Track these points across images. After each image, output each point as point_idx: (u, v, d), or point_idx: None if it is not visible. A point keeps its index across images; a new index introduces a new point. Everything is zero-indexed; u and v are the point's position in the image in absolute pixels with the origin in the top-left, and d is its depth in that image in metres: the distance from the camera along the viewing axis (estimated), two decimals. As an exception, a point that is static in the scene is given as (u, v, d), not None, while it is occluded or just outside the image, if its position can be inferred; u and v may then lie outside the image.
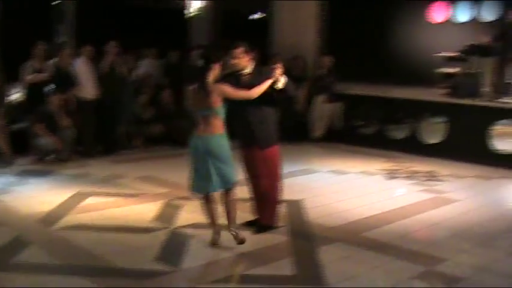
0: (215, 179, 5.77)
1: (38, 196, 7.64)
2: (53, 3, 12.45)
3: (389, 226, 6.79)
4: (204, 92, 5.71)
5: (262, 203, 6.46)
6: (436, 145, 11.43)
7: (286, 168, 9.73)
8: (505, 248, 6.23)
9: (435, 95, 12.85)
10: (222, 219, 6.03)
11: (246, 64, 6.19)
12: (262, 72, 6.23)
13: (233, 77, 6.16)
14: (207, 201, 5.95)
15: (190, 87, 5.89)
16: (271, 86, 6.07)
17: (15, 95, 11.10)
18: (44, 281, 5.02)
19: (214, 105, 5.72)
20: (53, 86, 10.19)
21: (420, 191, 8.56)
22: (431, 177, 9.52)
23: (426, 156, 11.02)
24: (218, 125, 5.80)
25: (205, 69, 5.82)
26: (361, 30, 17.16)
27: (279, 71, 6.10)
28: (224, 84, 5.86)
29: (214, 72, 5.81)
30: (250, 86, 6.04)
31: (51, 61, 10.47)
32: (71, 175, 8.90)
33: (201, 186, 5.86)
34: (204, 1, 15.39)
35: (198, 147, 5.73)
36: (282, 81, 6.14)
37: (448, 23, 17.14)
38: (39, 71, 10.18)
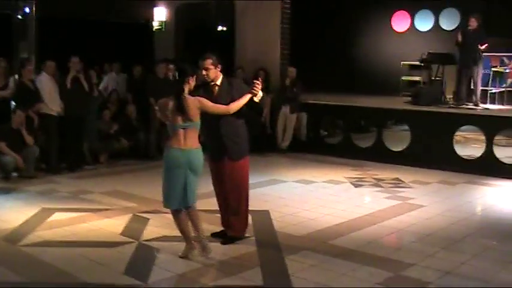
0: (190, 192, 5.76)
1: (1, 214, 7.52)
2: (14, 19, 12.33)
3: (356, 233, 6.85)
4: (181, 105, 5.68)
5: (231, 215, 6.45)
6: (400, 152, 11.56)
7: (253, 179, 9.71)
8: (470, 252, 6.32)
9: (399, 103, 13.03)
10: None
11: (215, 76, 6.21)
12: (232, 83, 6.28)
13: (203, 89, 6.17)
14: (180, 215, 5.91)
15: (162, 100, 5.87)
16: (249, 100, 6.13)
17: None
18: (10, 299, 4.96)
19: (194, 119, 5.73)
20: (15, 102, 10.09)
21: (386, 197, 8.65)
22: (396, 184, 9.63)
23: (391, 164, 11.15)
24: (196, 139, 5.81)
25: (181, 82, 5.82)
26: (325, 40, 17.40)
27: (259, 86, 6.13)
28: (200, 97, 5.88)
29: (190, 85, 5.82)
30: (222, 99, 6.10)
31: (13, 78, 10.36)
32: (36, 192, 8.79)
33: (177, 200, 5.81)
34: (168, 12, 15.37)
35: (180, 160, 5.69)
36: (259, 95, 6.18)
37: (411, 31, 17.41)
38: (1, 88, 10.06)
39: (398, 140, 12.28)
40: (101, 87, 12.36)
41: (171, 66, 12.05)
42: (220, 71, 6.26)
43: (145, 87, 11.47)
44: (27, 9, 12.55)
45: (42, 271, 5.59)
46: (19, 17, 12.41)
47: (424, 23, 17.21)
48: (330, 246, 6.35)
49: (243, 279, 5.40)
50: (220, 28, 18.10)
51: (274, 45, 13.27)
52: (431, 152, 11.02)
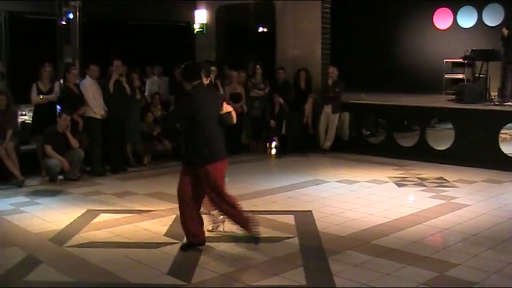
0: None
1: (48, 215, 7.67)
2: (57, 24, 12.55)
3: (400, 233, 6.78)
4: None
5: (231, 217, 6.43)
6: (444, 151, 11.41)
7: (295, 179, 9.86)
8: (517, 251, 6.21)
9: (442, 101, 12.87)
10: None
11: None
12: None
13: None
14: None
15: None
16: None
17: (24, 117, 11.20)
18: (57, 299, 5.05)
19: None
20: (60, 106, 10.28)
21: (430, 197, 8.55)
22: (440, 183, 9.51)
23: (435, 163, 11.03)
24: None
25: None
26: (366, 39, 17.25)
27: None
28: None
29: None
30: None
31: (58, 82, 10.55)
32: (81, 194, 8.94)
33: None
34: (209, 14, 15.42)
35: None
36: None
37: (453, 28, 17.17)
38: (47, 92, 10.25)
39: (442, 138, 12.13)
40: (146, 92, 12.50)
41: (213, 68, 12.13)
42: None
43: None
44: (70, 15, 12.73)
45: (87, 271, 5.68)
46: (63, 22, 12.61)
47: (467, 19, 16.94)
48: (373, 246, 6.30)
49: (286, 279, 5.40)
50: (260, 29, 18.11)
51: (315, 45, 13.23)
52: (476, 151, 10.85)
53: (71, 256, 6.11)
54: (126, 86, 10.69)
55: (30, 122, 10.79)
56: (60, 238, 6.68)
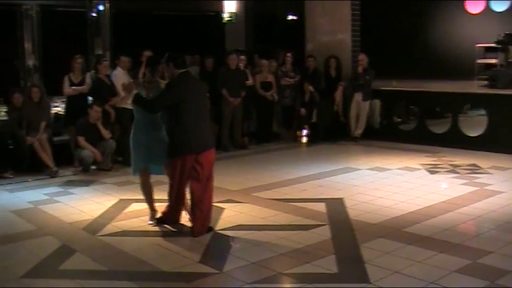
0: None
1: (81, 205, 7.78)
2: (88, 17, 12.69)
3: (432, 220, 6.73)
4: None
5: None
6: (477, 138, 11.28)
7: (326, 167, 9.86)
8: (551, 238, 6.13)
9: (474, 86, 12.72)
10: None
11: None
12: None
13: None
14: None
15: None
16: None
17: (57, 108, 11.34)
18: (92, 286, 5.13)
19: None
20: (91, 97, 10.38)
21: (463, 184, 8.47)
22: (473, 170, 9.41)
23: (467, 150, 10.90)
24: None
25: None
26: (397, 25, 17.09)
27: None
28: None
29: None
30: None
31: (89, 73, 10.65)
32: (113, 184, 9.04)
33: None
34: (238, 3, 15.42)
35: None
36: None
37: (485, 13, 16.92)
38: (78, 84, 10.36)
39: (475, 125, 11.97)
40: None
41: (242, 57, 12.15)
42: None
43: (217, 79, 11.59)
44: (101, 7, 12.85)
45: (120, 260, 5.74)
46: (93, 14, 12.73)
47: (500, 3, 16.66)
48: (405, 234, 6.27)
49: (318, 267, 5.40)
50: (290, 17, 18.04)
51: (345, 32, 13.13)
52: (510, 137, 10.70)
53: (104, 245, 6.20)
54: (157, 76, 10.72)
55: (62, 113, 10.92)
56: (94, 227, 6.78)
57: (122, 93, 6.64)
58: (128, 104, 9.72)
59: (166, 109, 6.40)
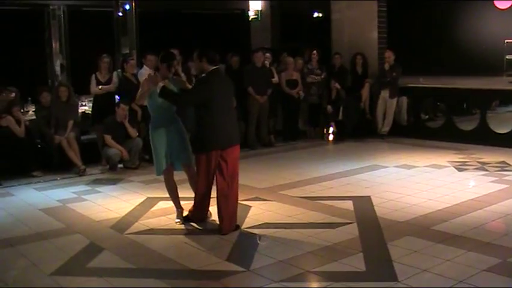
0: None
1: (109, 203, 7.83)
2: (114, 16, 12.75)
3: (461, 218, 6.66)
4: None
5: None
6: (506, 134, 11.14)
7: (353, 164, 9.81)
8: None
9: (503, 83, 12.56)
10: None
11: None
12: None
13: None
14: None
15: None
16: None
17: (84, 107, 11.43)
18: (120, 284, 5.15)
19: None
20: (118, 96, 10.44)
21: (492, 181, 8.37)
22: (503, 167, 9.30)
23: (497, 147, 10.78)
24: None
25: None
26: (424, 21, 16.93)
27: None
28: None
29: None
30: None
31: (116, 72, 10.71)
32: (140, 182, 9.08)
33: None
34: (264, 1, 15.39)
35: None
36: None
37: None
38: (105, 83, 10.43)
39: (504, 121, 11.84)
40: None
41: (268, 54, 12.12)
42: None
43: (243, 77, 11.58)
44: (127, 6, 12.91)
45: (148, 258, 5.77)
46: (120, 13, 12.78)
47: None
48: (433, 232, 6.21)
49: (346, 265, 5.38)
50: (316, 14, 17.96)
51: (372, 29, 13.06)
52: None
53: (132, 243, 6.23)
54: (182, 75, 10.76)
55: (90, 112, 10.99)
56: (121, 225, 6.82)
57: (140, 90, 6.62)
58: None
59: (195, 104, 6.40)
